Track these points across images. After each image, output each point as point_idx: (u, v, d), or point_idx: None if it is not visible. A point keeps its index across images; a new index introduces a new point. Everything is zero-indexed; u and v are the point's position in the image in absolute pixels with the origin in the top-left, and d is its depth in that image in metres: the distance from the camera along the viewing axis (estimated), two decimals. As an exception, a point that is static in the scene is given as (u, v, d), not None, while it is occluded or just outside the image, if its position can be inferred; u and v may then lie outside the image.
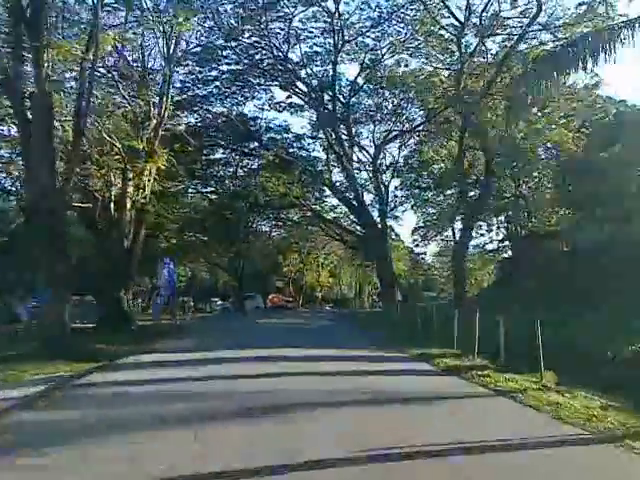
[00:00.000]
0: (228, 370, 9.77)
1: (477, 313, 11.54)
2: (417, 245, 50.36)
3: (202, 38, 30.46)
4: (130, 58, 22.12)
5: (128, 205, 19.79)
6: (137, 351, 13.57)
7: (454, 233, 41.78)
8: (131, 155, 19.21)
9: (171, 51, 21.65)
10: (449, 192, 40.61)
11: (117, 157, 18.80)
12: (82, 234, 24.09)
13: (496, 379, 8.78)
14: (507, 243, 40.27)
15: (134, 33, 19.74)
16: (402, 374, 9.89)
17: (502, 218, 39.46)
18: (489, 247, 43.56)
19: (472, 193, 29.53)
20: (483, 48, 25.35)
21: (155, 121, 20.43)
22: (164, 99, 20.91)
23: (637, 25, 13.51)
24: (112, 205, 19.52)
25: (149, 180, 20.44)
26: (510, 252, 38.45)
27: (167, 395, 7.50)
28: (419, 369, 10.60)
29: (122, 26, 18.62)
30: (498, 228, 41.64)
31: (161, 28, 20.00)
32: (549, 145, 28.35)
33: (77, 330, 19.03)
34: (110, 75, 19.92)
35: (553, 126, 24.66)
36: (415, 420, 6.42)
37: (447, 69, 28.58)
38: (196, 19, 26.36)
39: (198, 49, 31.58)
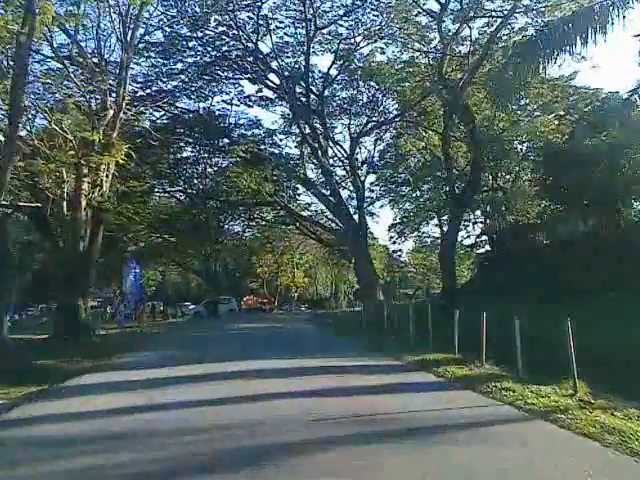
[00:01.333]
0: (192, 394, 8.07)
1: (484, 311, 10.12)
2: (394, 242, 49.61)
3: (165, 28, 28.62)
4: (87, 49, 20.52)
5: (83, 204, 17.89)
6: (91, 369, 11.84)
7: (441, 226, 41.03)
8: (86, 149, 17.40)
9: (128, 37, 19.81)
10: (426, 187, 39.92)
11: (70, 152, 16.95)
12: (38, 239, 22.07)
13: (522, 393, 7.30)
14: (485, 238, 39.50)
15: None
16: (404, 390, 8.24)
17: (479, 212, 38.67)
18: (466, 242, 42.93)
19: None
20: (466, 33, 24.15)
21: (112, 111, 18.58)
22: (121, 87, 19.03)
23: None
24: (65, 204, 17.58)
25: (107, 176, 18.61)
26: (488, 247, 37.66)
27: (107, 437, 5.80)
28: (423, 382, 9.01)
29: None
30: (475, 223, 41.00)
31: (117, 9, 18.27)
32: (530, 136, 27.44)
33: (27, 343, 17.24)
34: (62, 64, 18.13)
35: (536, 113, 23.67)
36: (442, 468, 4.71)
37: (426, 55, 27.37)
38: (159, 7, 24.71)
39: (161, 39, 29.99)
